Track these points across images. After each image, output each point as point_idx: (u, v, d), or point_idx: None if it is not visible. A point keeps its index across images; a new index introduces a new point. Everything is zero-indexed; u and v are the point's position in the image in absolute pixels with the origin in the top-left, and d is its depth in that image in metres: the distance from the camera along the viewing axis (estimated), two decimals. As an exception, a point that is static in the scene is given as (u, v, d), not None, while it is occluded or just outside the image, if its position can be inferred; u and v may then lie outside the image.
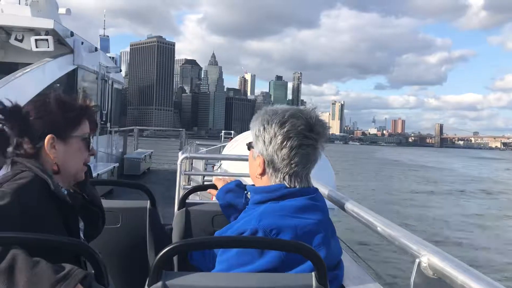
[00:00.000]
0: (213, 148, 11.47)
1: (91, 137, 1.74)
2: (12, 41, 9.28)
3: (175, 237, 2.52)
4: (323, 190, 2.54)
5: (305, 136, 1.68)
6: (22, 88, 8.39)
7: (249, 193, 1.91)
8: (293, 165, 1.69)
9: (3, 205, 1.33)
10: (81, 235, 1.75)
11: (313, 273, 1.38)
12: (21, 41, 9.30)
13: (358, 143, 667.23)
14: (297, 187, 1.70)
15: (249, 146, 1.83)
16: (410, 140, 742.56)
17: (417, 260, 1.52)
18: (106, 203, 2.58)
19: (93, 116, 1.77)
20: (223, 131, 17.24)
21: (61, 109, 1.60)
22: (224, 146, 11.29)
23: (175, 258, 2.36)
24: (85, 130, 1.69)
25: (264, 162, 1.73)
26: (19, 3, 10.18)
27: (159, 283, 1.32)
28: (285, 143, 1.68)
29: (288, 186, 1.69)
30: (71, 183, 1.71)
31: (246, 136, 8.46)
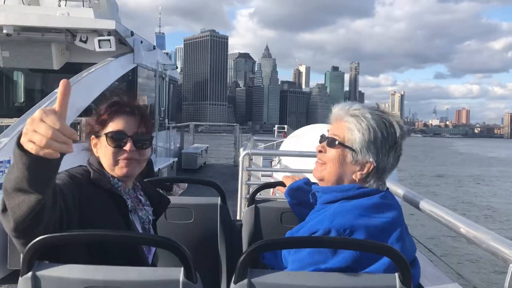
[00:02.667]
0: (271, 143, 11.70)
1: (118, 134, 1.79)
2: (77, 42, 9.82)
3: (246, 233, 2.60)
4: (396, 189, 2.54)
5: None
6: (88, 87, 8.96)
7: (315, 192, 1.94)
8: (390, 172, 1.81)
9: (60, 178, 1.63)
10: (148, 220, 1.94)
11: (396, 274, 1.40)
12: (85, 42, 9.84)
13: (420, 135, 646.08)
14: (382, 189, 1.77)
15: (342, 144, 1.79)
16: (475, 131, 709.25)
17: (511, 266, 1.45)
18: (179, 200, 2.78)
19: (128, 112, 1.83)
20: (276, 126, 17.53)
21: (96, 113, 1.86)
22: (281, 142, 11.48)
23: None
24: (115, 127, 1.80)
25: (372, 168, 1.76)
26: (83, 6, 10.81)
27: (245, 281, 1.37)
28: (398, 153, 1.79)
29: (361, 186, 1.74)
30: (121, 178, 1.84)
31: (305, 132, 8.55)
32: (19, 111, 7.59)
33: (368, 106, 1.83)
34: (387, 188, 1.79)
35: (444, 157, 74.35)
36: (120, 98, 1.89)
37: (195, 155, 15.07)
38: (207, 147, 17.46)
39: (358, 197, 1.69)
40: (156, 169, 10.63)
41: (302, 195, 2.21)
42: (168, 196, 2.24)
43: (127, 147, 1.79)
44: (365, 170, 1.75)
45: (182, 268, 1.36)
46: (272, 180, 6.86)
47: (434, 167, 49.37)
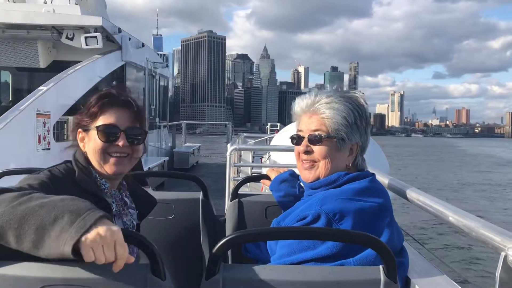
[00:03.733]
0: (261, 139, 11.66)
1: (110, 128, 1.69)
2: (63, 39, 9.76)
3: (229, 228, 2.57)
4: (382, 179, 2.48)
5: None
6: (73, 85, 8.89)
7: (301, 183, 1.93)
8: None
9: (39, 178, 1.55)
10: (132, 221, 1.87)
11: (381, 267, 1.34)
12: (71, 39, 9.79)
13: (421, 135, 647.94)
14: (364, 169, 1.80)
15: (328, 136, 1.75)
16: (476, 130, 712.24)
17: (503, 254, 1.39)
18: (159, 195, 2.64)
19: (120, 105, 1.73)
20: (269, 124, 17.58)
21: (86, 106, 1.75)
22: (271, 138, 11.44)
23: (229, 250, 2.37)
24: (106, 120, 1.69)
25: (358, 148, 1.78)
26: (69, 3, 10.76)
27: (217, 276, 1.30)
28: (370, 126, 1.83)
29: (347, 172, 1.73)
30: (110, 176, 1.73)
31: (295, 127, 8.46)
32: (6, 111, 7.53)
33: (333, 91, 1.81)
34: (374, 174, 1.78)
35: (458, 160, 64.02)
36: (113, 89, 1.77)
37: (186, 154, 15.04)
38: (199, 146, 17.44)
39: (347, 183, 1.68)
40: (146, 168, 10.58)
41: (288, 188, 2.17)
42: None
43: (120, 142, 1.68)
44: (354, 152, 1.76)
45: (148, 264, 1.27)
46: (262, 178, 6.81)
47: (454, 173, 41.04)
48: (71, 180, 1.63)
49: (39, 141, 7.55)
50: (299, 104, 1.83)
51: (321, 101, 1.75)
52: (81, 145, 1.74)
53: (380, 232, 1.56)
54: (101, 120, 1.69)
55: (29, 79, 11.44)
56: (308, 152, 1.76)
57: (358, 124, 1.74)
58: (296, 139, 1.81)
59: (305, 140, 1.76)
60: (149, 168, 11.08)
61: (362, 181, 1.67)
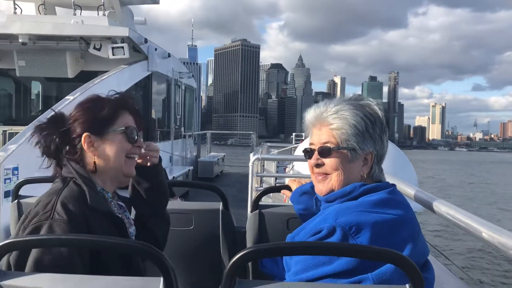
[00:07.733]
0: (285, 149, 11.84)
1: (134, 130, 1.79)
2: (91, 50, 10.24)
3: (249, 240, 2.60)
4: (406, 189, 2.46)
5: None
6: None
7: (318, 197, 1.89)
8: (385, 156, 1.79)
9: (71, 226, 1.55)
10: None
11: (407, 286, 1.27)
12: (99, 49, 10.26)
13: (465, 149, 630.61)
14: (382, 180, 1.76)
15: (338, 148, 1.72)
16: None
17: None
18: (179, 205, 2.80)
19: (132, 109, 1.83)
20: (293, 134, 17.66)
21: (92, 108, 1.76)
22: (296, 148, 11.60)
23: (249, 264, 2.38)
24: (123, 123, 1.77)
25: (373, 157, 1.74)
26: (98, 14, 11.32)
27: None
28: (387, 133, 1.78)
29: (363, 183, 1.70)
30: (122, 180, 1.82)
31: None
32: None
33: (342, 99, 1.80)
34: (393, 184, 1.75)
35: None
36: (122, 95, 1.85)
37: (211, 164, 15.37)
38: (224, 155, 17.75)
39: (363, 195, 1.65)
40: (171, 177, 10.95)
41: (308, 200, 2.12)
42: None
43: (140, 143, 1.81)
44: (369, 162, 1.73)
45: (161, 278, 1.26)
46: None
47: None
48: (83, 202, 1.64)
49: (63, 150, 7.96)
50: (308, 117, 1.82)
51: (329, 111, 1.73)
52: (90, 149, 1.73)
53: (400, 246, 1.49)
54: (121, 123, 1.76)
55: (58, 89, 12.02)
56: (319, 165, 1.75)
57: (371, 132, 1.70)
58: (309, 153, 1.80)
59: (316, 153, 1.76)
60: (173, 177, 11.45)
61: (380, 193, 1.63)
